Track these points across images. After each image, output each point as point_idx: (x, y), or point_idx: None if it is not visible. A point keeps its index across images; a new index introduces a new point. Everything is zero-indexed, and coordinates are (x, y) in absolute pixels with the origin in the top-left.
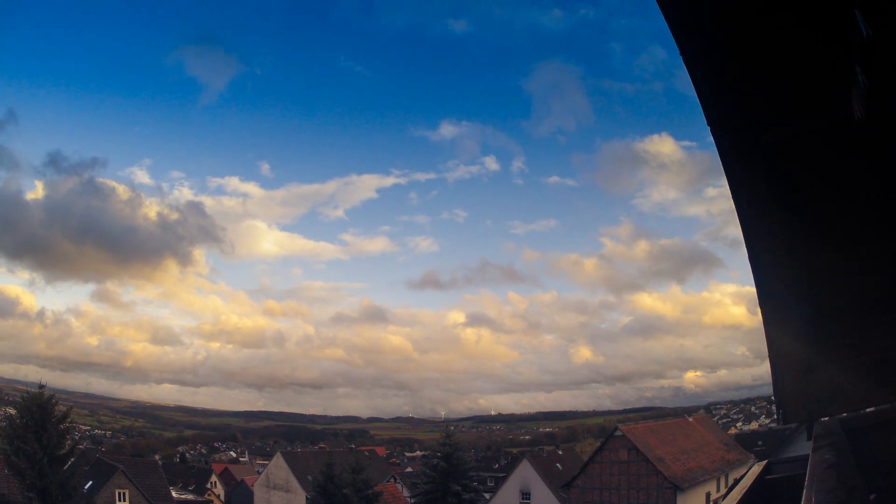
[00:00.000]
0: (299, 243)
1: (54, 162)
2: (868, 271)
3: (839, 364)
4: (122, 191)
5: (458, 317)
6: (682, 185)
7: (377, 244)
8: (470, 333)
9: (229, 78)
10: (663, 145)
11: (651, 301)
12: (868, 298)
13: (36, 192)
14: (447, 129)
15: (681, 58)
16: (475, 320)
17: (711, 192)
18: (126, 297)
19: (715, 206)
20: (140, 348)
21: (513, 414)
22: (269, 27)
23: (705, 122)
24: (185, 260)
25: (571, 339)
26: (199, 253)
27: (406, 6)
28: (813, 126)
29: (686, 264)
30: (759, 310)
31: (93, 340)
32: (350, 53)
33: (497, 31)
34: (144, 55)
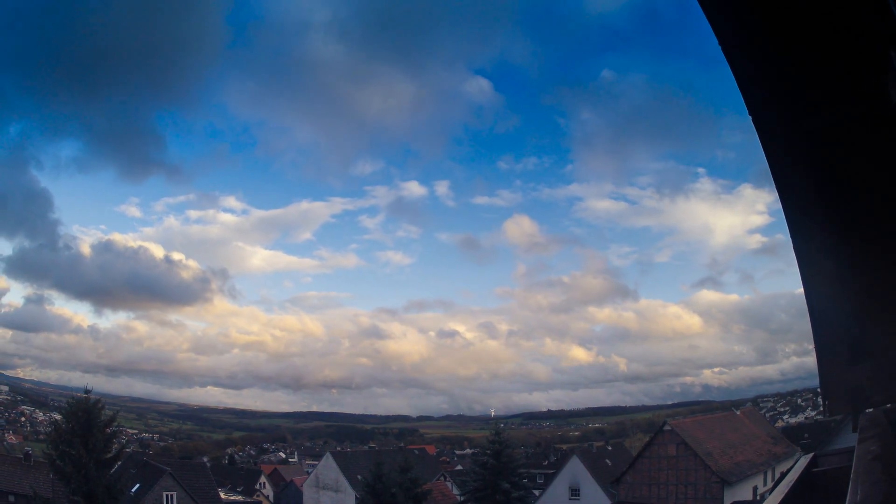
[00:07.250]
0: (284, 259)
1: (106, 247)
2: None
3: (884, 354)
4: (156, 250)
5: (448, 323)
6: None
7: (350, 260)
8: (463, 339)
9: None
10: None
11: (607, 314)
12: None
13: (83, 250)
14: (364, 166)
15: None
16: (463, 327)
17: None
18: (167, 318)
19: None
20: (183, 356)
21: (562, 410)
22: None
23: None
24: (212, 304)
25: (564, 342)
26: (223, 299)
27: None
28: (851, 113)
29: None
30: (804, 299)
31: (137, 349)
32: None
33: None
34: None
